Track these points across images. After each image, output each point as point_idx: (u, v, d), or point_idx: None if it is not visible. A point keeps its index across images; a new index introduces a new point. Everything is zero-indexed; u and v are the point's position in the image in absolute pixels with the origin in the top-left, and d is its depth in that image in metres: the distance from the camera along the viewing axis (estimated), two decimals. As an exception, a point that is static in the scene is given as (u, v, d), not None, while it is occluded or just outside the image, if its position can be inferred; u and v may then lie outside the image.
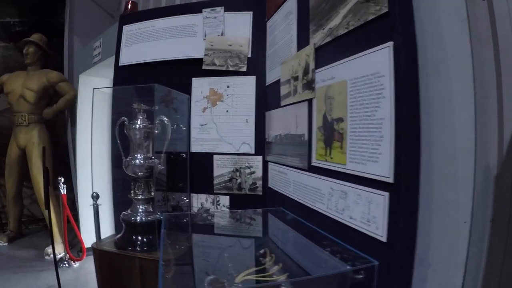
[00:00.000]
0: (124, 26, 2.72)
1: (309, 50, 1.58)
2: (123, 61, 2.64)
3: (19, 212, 4.67)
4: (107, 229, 3.83)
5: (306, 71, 1.59)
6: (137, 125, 2.09)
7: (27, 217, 5.04)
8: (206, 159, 2.30)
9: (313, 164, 1.54)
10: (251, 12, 2.36)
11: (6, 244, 4.45)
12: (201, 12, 2.44)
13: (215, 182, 2.29)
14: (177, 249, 1.77)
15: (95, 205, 2.59)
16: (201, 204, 2.33)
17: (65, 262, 3.89)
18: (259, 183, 2.23)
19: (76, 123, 4.11)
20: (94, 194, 2.60)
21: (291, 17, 1.86)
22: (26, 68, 4.47)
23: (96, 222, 2.56)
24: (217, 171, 2.28)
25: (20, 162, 4.43)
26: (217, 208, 2.31)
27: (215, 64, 2.29)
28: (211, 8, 2.42)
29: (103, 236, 2.39)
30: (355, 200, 1.24)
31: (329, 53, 1.43)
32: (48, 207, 2.96)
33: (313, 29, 1.57)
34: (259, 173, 2.23)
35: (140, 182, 2.14)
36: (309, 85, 1.56)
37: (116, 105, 2.56)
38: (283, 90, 1.88)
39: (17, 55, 5.11)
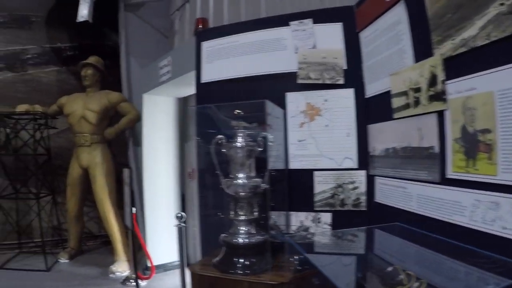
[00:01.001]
0: (202, 43, 2.91)
1: (435, 61, 1.69)
2: (206, 78, 2.84)
3: (80, 230, 5.02)
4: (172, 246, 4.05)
5: (432, 83, 1.70)
6: (239, 144, 2.20)
7: (84, 233, 5.33)
8: (306, 175, 2.42)
9: (449, 176, 1.63)
10: (341, 24, 2.50)
11: (67, 261, 4.77)
12: (287, 25, 2.59)
13: (316, 199, 2.41)
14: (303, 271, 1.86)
15: (180, 226, 2.69)
16: (301, 222, 2.45)
17: (131, 281, 4.05)
18: (363, 198, 2.34)
19: (142, 142, 4.33)
20: (179, 215, 2.71)
21: (400, 27, 1.98)
22: (85, 90, 4.77)
23: (181, 244, 2.69)
24: (318, 188, 2.40)
25: (82, 182, 4.75)
26: (317, 225, 2.41)
27: (310, 78, 2.43)
28: (298, 21, 2.57)
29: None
30: (509, 210, 1.33)
31: (465, 64, 1.54)
32: (133, 228, 3.13)
33: (438, 39, 1.68)
34: (362, 188, 2.34)
35: (242, 202, 2.23)
36: (439, 96, 1.66)
37: (201, 123, 2.65)
38: (397, 102, 1.99)
39: (70, 78, 5.50)
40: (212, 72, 2.83)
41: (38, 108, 4.67)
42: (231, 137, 2.23)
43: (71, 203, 4.78)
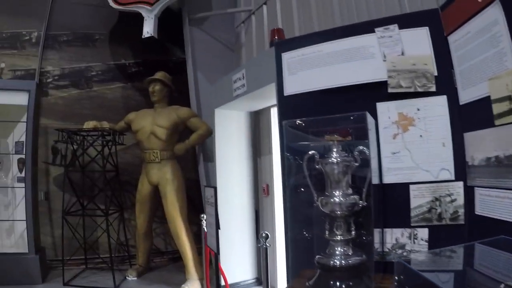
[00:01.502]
0: (283, 54, 2.94)
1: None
2: (290, 91, 2.88)
3: (149, 247, 5.25)
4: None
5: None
6: (335, 159, 2.15)
7: (152, 250, 5.54)
8: (401, 189, 2.41)
9: None
10: (427, 28, 2.49)
11: (135, 278, 4.99)
12: (372, 31, 2.61)
13: (412, 214, 2.39)
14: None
15: (264, 246, 2.72)
16: (396, 240, 2.45)
17: None
18: (461, 211, 2.30)
19: (214, 157, 4.46)
20: (264, 235, 2.74)
21: (497, 28, 1.95)
22: (152, 106, 5.00)
23: (265, 264, 2.73)
24: (414, 202, 2.39)
25: (152, 199, 4.97)
26: (414, 242, 2.40)
27: (401, 86, 2.44)
28: (384, 27, 2.59)
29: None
30: None
31: None
32: (217, 249, 3.17)
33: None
34: (460, 200, 2.31)
35: (338, 221, 2.17)
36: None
37: (290, 138, 2.55)
38: (498, 108, 1.96)
39: (135, 94, 5.79)
40: (295, 84, 2.86)
41: (105, 124, 4.94)
42: (322, 152, 2.22)
43: (140, 220, 5.00)
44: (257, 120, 4.76)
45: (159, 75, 4.99)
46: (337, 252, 2.15)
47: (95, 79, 5.72)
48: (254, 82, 3.52)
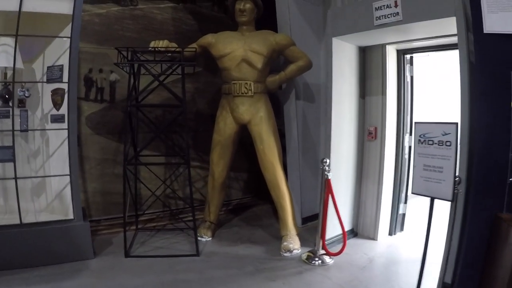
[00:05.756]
0: None
1: None
2: (492, 29, 2.39)
3: (223, 200, 4.19)
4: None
5: None
6: None
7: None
8: None
9: None
10: None
11: (210, 238, 3.93)
12: None
13: None
14: None
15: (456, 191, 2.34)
16: None
17: (316, 259, 3.40)
18: None
19: (330, 96, 3.63)
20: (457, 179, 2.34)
21: None
22: (237, 28, 3.91)
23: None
24: None
25: (235, 141, 3.95)
26: None
27: None
28: None
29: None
30: None
31: None
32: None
33: None
34: None
35: None
36: None
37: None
38: None
39: (187, 18, 4.54)
40: (500, 23, 2.38)
41: (174, 45, 3.68)
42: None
43: (219, 168, 3.94)
44: (364, 57, 3.97)
45: (249, -9, 3.84)
46: None
47: None
48: (416, 12, 2.96)
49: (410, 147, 3.84)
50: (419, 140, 2.59)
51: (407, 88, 3.85)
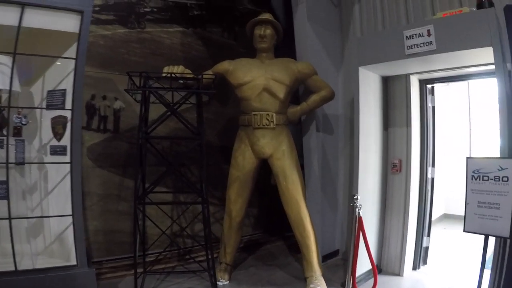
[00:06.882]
0: None
1: None
2: None
3: (240, 240, 3.76)
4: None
5: None
6: None
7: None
8: None
9: None
10: None
11: (227, 282, 3.50)
12: None
13: None
14: None
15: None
16: None
17: None
18: None
19: (357, 127, 3.38)
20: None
21: None
22: (251, 56, 3.64)
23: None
24: None
25: (254, 177, 3.58)
26: None
27: None
28: None
29: None
30: None
31: None
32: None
33: None
34: None
35: None
36: None
37: None
38: None
39: (196, 43, 4.24)
40: None
41: (189, 72, 3.37)
42: None
43: (237, 206, 3.55)
44: (387, 87, 3.78)
45: (268, 16, 3.58)
46: None
47: (148, 17, 3.90)
48: (450, 41, 2.83)
49: (433, 179, 3.68)
50: (473, 176, 2.41)
51: (429, 119, 3.68)
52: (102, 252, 3.57)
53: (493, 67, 2.69)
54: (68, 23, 2.85)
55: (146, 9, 3.87)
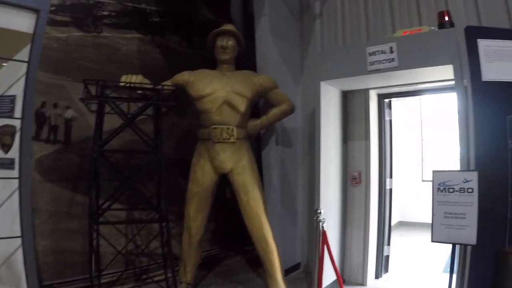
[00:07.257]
0: (479, 40, 2.60)
1: None
2: (489, 77, 2.54)
3: (200, 258, 3.64)
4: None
5: None
6: None
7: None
8: None
9: None
10: None
11: None
12: None
13: None
14: None
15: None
16: None
17: None
18: None
19: (318, 141, 3.39)
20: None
21: None
22: (216, 67, 3.56)
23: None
24: None
25: (213, 193, 3.48)
26: None
27: None
28: None
29: None
30: None
31: None
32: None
33: None
34: None
35: None
36: None
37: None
38: None
39: (154, 51, 4.05)
40: (496, 71, 2.55)
41: (147, 81, 3.26)
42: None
43: (196, 223, 3.43)
44: (346, 102, 3.83)
45: (231, 27, 3.49)
46: None
47: (106, 21, 3.66)
48: (412, 59, 2.95)
49: (391, 190, 3.81)
50: (439, 188, 2.52)
51: (387, 132, 3.79)
52: (52, 274, 3.27)
53: (448, 83, 2.89)
54: (22, 22, 2.64)
55: (104, 13, 3.65)
